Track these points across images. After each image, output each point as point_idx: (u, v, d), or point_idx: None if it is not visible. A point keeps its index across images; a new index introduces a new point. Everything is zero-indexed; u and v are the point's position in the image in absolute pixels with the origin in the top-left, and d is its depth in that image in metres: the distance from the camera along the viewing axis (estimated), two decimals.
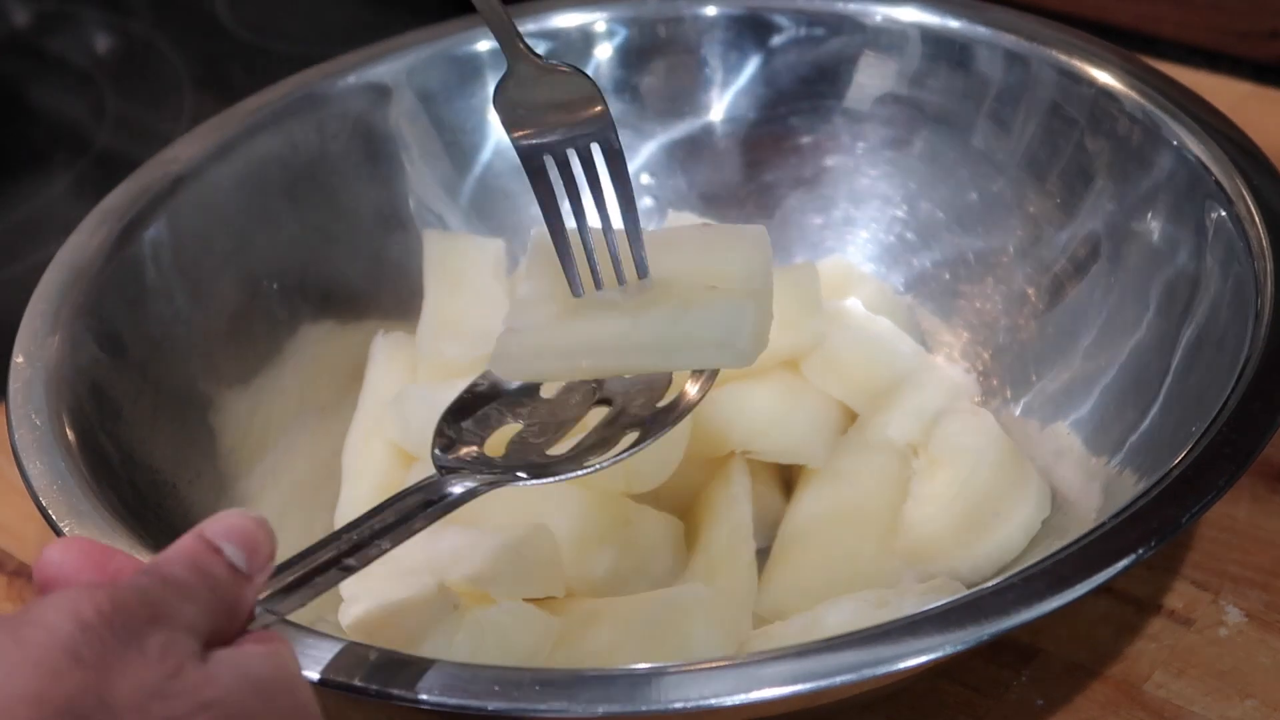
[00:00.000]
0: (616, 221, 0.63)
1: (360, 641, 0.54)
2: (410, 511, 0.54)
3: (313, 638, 0.54)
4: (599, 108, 0.63)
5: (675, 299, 0.60)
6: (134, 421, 0.69)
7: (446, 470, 0.58)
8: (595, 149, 0.63)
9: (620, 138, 0.84)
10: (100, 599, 0.42)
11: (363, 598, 0.63)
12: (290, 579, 0.49)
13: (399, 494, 0.55)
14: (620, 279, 0.62)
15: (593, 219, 0.63)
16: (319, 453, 0.76)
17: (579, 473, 0.59)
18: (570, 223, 0.63)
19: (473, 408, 0.63)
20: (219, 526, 0.47)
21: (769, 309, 0.62)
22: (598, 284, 0.62)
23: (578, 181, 0.63)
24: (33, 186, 1.08)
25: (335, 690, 0.53)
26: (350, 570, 0.51)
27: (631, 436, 0.60)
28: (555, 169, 0.63)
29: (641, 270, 0.62)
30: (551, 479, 0.59)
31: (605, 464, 0.59)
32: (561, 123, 0.63)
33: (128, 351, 0.72)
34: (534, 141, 0.63)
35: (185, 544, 0.46)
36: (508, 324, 0.62)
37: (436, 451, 0.60)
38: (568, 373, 0.62)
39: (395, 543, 0.53)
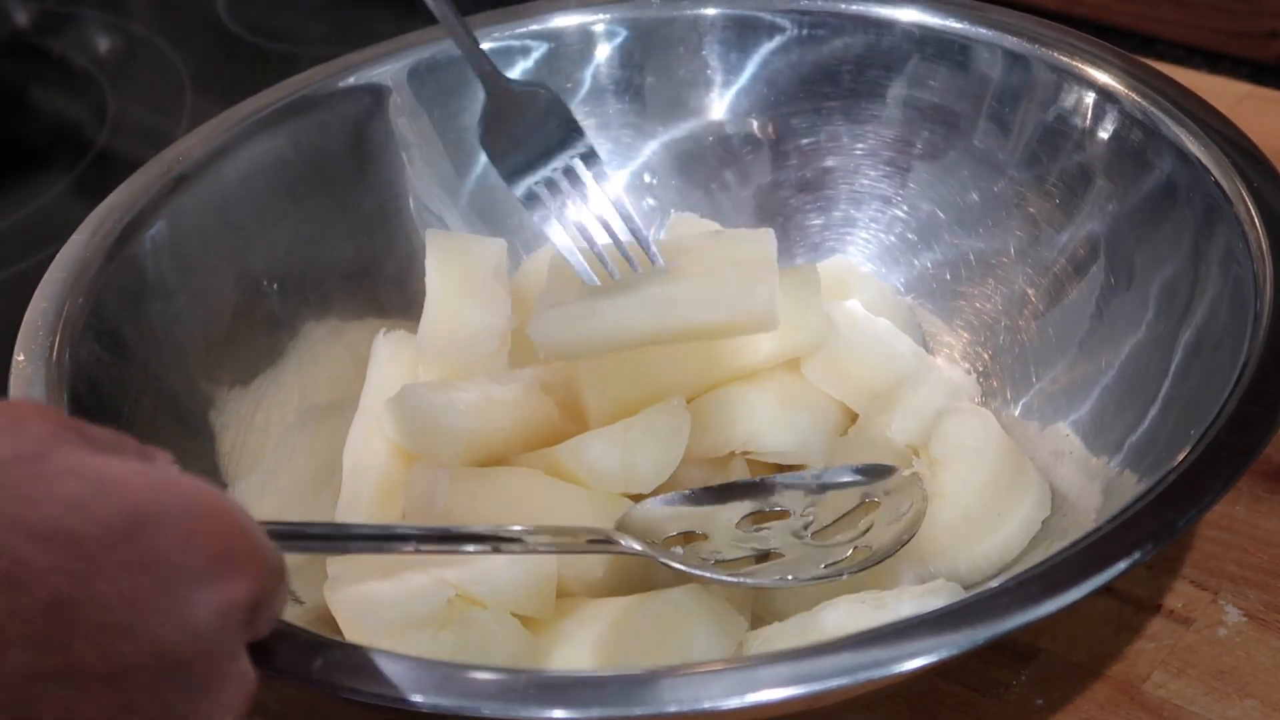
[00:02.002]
0: (619, 227, 0.70)
1: (347, 623, 0.55)
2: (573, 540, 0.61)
3: (307, 636, 0.54)
4: (572, 126, 0.71)
5: (698, 272, 0.67)
6: (134, 421, 0.69)
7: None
8: (578, 164, 0.71)
9: (623, 137, 0.86)
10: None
11: (349, 577, 0.63)
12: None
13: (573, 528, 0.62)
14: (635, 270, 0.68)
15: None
16: (319, 453, 0.76)
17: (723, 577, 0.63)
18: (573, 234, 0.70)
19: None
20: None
21: (778, 295, 0.67)
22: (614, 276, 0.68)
23: (572, 196, 0.71)
24: (33, 186, 1.08)
25: (325, 690, 0.53)
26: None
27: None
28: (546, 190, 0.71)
29: (654, 259, 0.68)
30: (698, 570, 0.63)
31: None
32: (544, 151, 0.71)
33: (128, 351, 0.72)
34: (527, 181, 0.71)
35: None
36: (539, 308, 0.68)
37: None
38: (606, 344, 0.68)
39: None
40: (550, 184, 0.70)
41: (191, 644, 0.44)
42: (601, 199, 0.70)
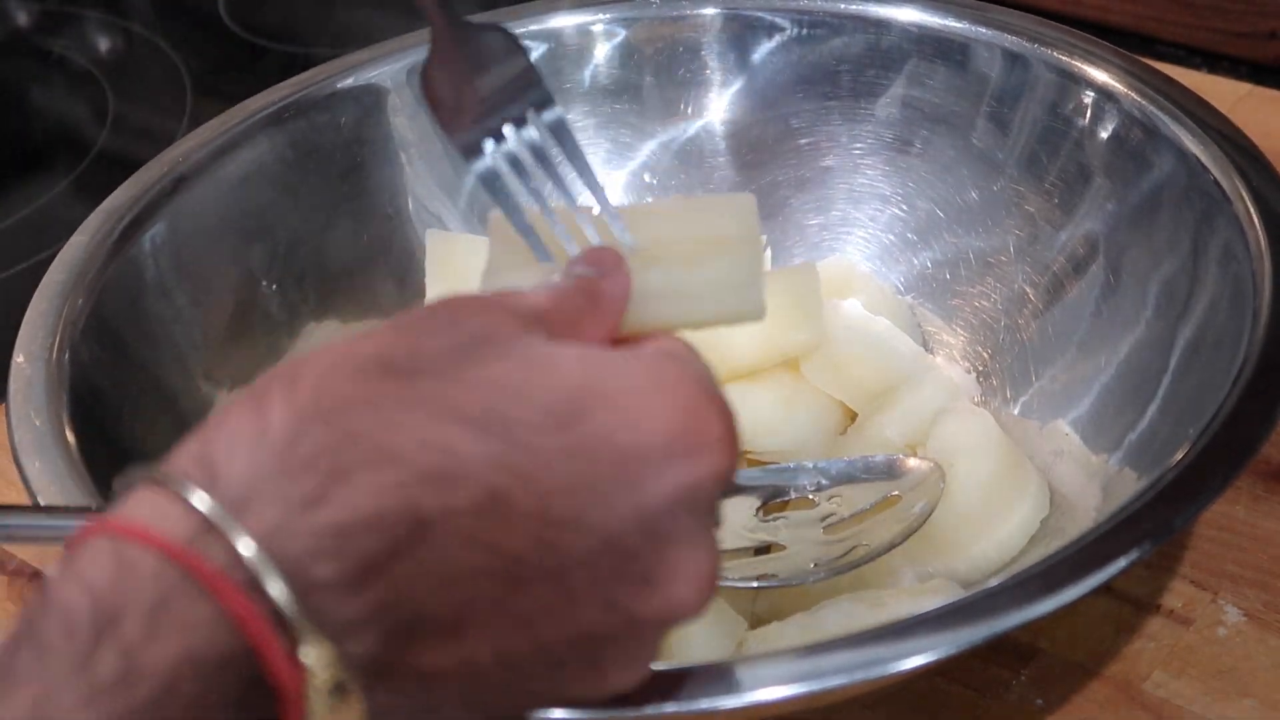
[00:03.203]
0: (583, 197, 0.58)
1: None
2: None
3: None
4: (527, 70, 0.58)
5: (674, 256, 0.54)
6: (134, 422, 0.70)
7: None
8: (536, 120, 0.57)
9: (622, 137, 0.86)
10: (433, 301, 0.44)
11: None
12: None
13: None
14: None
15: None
16: None
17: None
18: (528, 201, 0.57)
19: None
20: (569, 264, 0.49)
21: (763, 272, 0.59)
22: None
23: (527, 162, 0.57)
24: (33, 186, 1.08)
25: None
26: None
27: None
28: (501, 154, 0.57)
29: (622, 239, 0.55)
30: None
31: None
32: (495, 103, 0.58)
33: (129, 350, 0.72)
34: (471, 136, 0.57)
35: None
36: (484, 286, 0.55)
37: None
38: None
39: None
40: (514, 161, 0.57)
41: (641, 534, 0.41)
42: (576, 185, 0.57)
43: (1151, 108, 0.74)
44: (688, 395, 0.42)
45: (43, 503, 0.61)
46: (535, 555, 0.40)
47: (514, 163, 0.57)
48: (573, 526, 0.40)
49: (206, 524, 0.38)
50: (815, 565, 0.63)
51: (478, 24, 0.58)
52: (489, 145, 0.57)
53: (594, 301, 0.47)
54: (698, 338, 0.49)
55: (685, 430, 0.41)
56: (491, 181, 0.57)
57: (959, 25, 0.81)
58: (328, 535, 0.38)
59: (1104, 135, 0.76)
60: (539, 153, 0.57)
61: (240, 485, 0.38)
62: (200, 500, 0.38)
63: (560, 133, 0.57)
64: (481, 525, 0.39)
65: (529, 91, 0.58)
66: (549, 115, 0.58)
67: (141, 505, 0.39)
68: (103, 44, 1.23)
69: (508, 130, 0.57)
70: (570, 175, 0.57)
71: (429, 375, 0.40)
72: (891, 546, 0.64)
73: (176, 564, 0.37)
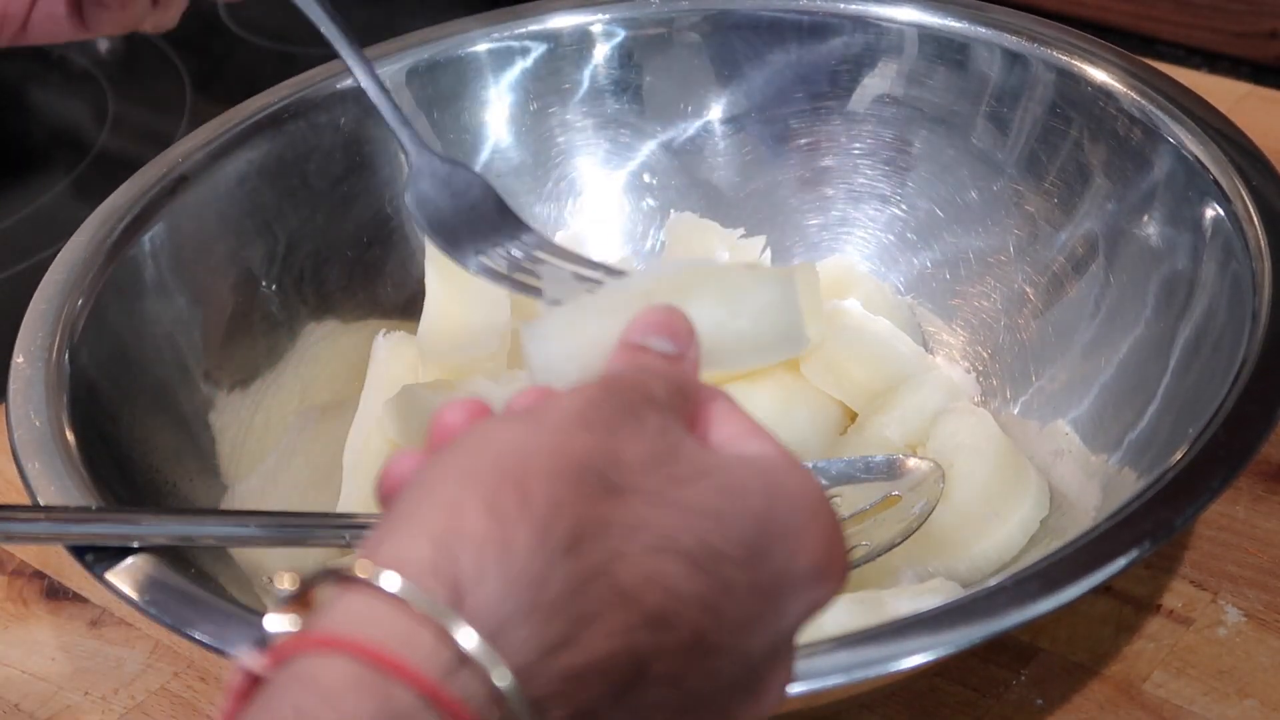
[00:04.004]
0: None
1: None
2: None
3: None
4: (503, 210, 0.65)
5: (713, 283, 0.53)
6: (134, 421, 0.70)
7: None
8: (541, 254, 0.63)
9: (621, 137, 0.86)
10: (595, 384, 0.42)
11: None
12: None
13: None
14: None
15: None
16: (319, 453, 0.76)
17: None
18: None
19: None
20: (638, 327, 0.46)
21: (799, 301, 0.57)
22: None
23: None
24: (33, 186, 1.08)
25: None
26: None
27: None
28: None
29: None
30: None
31: None
32: (480, 233, 0.64)
33: (128, 351, 0.72)
34: (484, 263, 0.64)
35: (617, 356, 0.46)
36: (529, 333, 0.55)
37: None
38: None
39: None
40: (511, 263, 0.62)
41: (770, 653, 0.42)
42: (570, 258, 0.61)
43: (1151, 107, 0.74)
44: (830, 522, 0.43)
45: (42, 503, 0.61)
46: (699, 683, 0.40)
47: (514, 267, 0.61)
48: (730, 653, 0.40)
49: (463, 658, 0.36)
50: None
51: (445, 157, 0.66)
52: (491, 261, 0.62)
53: (685, 399, 0.45)
54: None
55: (828, 560, 0.42)
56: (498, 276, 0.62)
57: (958, 25, 0.81)
58: (568, 679, 0.37)
59: (1104, 135, 0.76)
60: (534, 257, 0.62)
61: (493, 617, 0.36)
62: (466, 636, 0.36)
63: (545, 245, 0.62)
64: (679, 664, 0.39)
65: (504, 221, 0.64)
66: (529, 238, 0.63)
67: (379, 622, 0.36)
68: (102, 44, 1.23)
69: (498, 253, 0.62)
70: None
71: (640, 494, 0.39)
72: (891, 547, 0.64)
73: (436, 708, 0.35)
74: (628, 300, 0.51)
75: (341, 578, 0.37)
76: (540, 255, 0.63)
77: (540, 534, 0.37)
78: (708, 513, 0.40)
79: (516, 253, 0.62)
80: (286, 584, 0.38)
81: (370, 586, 0.36)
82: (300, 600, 0.38)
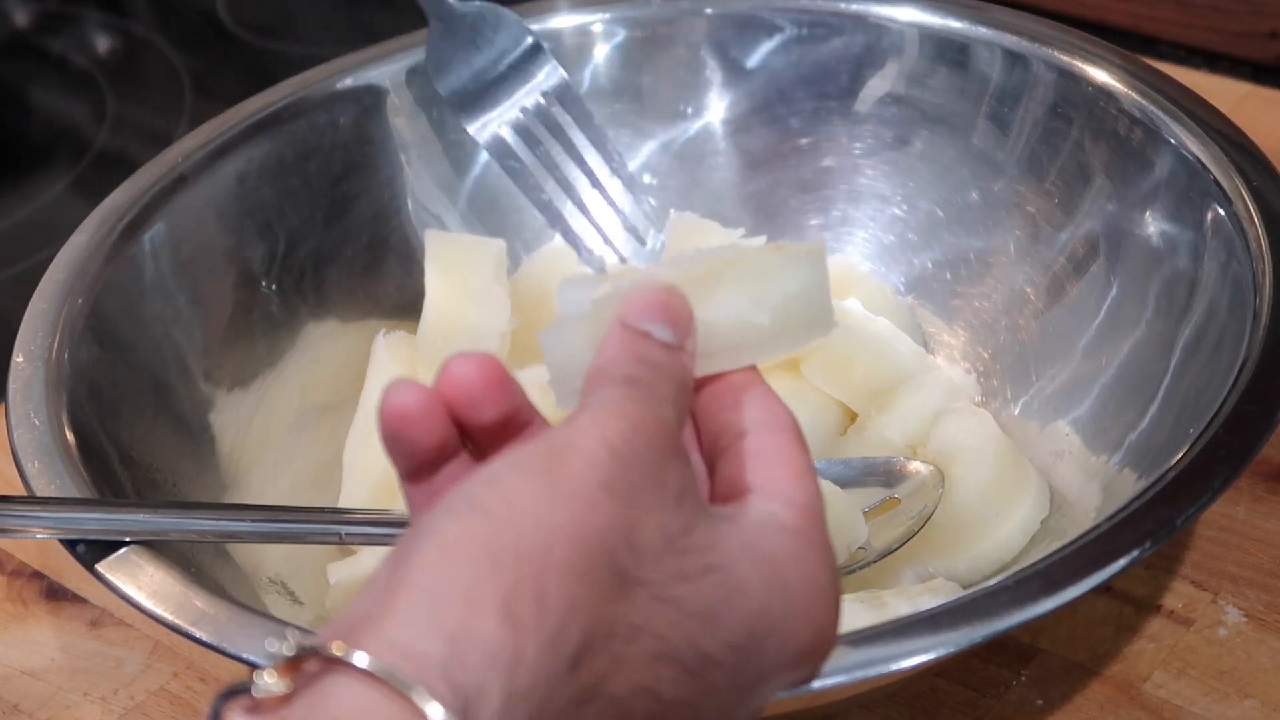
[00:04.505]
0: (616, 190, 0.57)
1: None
2: None
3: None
4: (540, 54, 0.57)
5: (741, 270, 0.49)
6: (134, 422, 0.69)
7: None
8: (555, 107, 0.56)
9: (622, 137, 0.86)
10: (623, 426, 0.41)
11: (352, 584, 0.63)
12: None
13: None
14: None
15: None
16: (319, 453, 0.76)
17: None
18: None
19: None
20: (636, 308, 0.45)
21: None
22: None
23: (551, 145, 0.57)
24: (33, 186, 1.08)
25: None
26: None
27: None
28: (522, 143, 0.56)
29: (645, 225, 0.55)
30: None
31: None
32: (507, 83, 0.57)
33: (128, 350, 0.72)
34: (490, 122, 0.56)
35: (616, 340, 0.45)
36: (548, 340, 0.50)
37: None
38: None
39: None
40: (523, 131, 0.57)
41: None
42: (588, 151, 0.56)
43: (1152, 108, 0.74)
44: (826, 608, 0.43)
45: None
46: None
47: (530, 139, 0.55)
48: None
49: None
50: None
51: (467, 6, 0.57)
52: (505, 131, 0.56)
53: (687, 395, 0.45)
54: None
55: (816, 644, 0.43)
56: (519, 174, 0.54)
57: (959, 25, 0.81)
58: None
59: (1104, 135, 0.76)
60: (554, 125, 0.56)
61: None
62: None
63: (583, 119, 0.55)
64: None
65: (534, 64, 0.57)
66: (570, 104, 0.56)
67: (382, 715, 0.35)
68: (102, 44, 1.23)
69: (528, 118, 0.57)
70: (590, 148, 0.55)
71: (647, 588, 0.39)
72: (889, 551, 0.64)
73: None
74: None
75: (343, 664, 0.36)
76: (560, 122, 0.58)
77: (550, 646, 0.37)
78: (705, 615, 0.40)
79: (537, 125, 0.57)
80: (284, 649, 0.37)
81: (374, 678, 0.36)
82: (294, 664, 0.37)
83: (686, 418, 0.45)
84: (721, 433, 0.46)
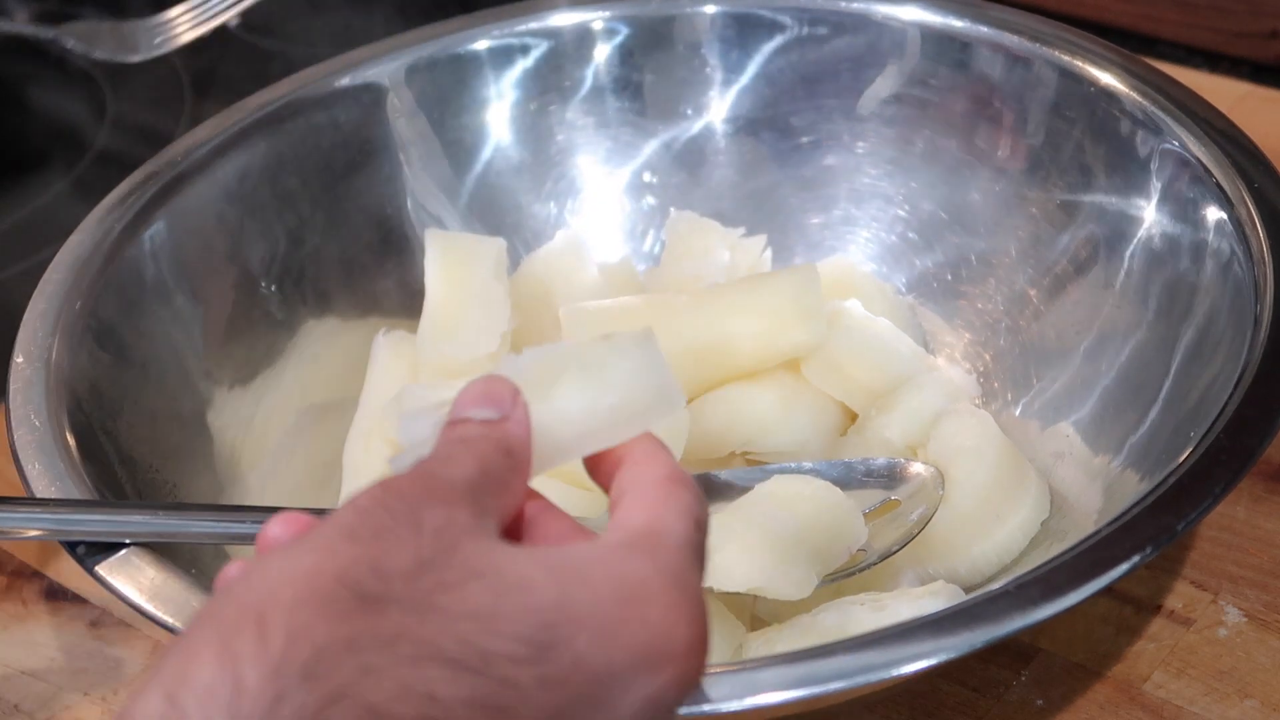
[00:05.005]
0: None
1: None
2: None
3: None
4: None
5: (571, 364, 0.49)
6: (134, 421, 0.69)
7: None
8: None
9: (623, 135, 0.86)
10: (374, 488, 0.41)
11: None
12: None
13: None
14: None
15: None
16: (319, 453, 0.76)
17: None
18: None
19: None
20: (460, 402, 0.46)
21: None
22: None
23: None
24: (33, 186, 1.08)
25: None
26: None
27: None
28: None
29: None
30: None
31: None
32: None
33: (127, 351, 0.72)
34: None
35: (441, 434, 0.46)
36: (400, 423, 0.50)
37: None
38: None
39: None
40: None
41: None
42: None
43: (1153, 108, 0.73)
44: (654, 604, 0.41)
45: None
46: None
47: None
48: None
49: None
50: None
51: None
52: None
53: (510, 455, 0.45)
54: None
55: (650, 646, 0.41)
56: None
57: (960, 24, 0.81)
58: None
59: (1106, 136, 0.75)
60: None
61: None
62: None
63: None
64: None
65: None
66: None
67: None
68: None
69: None
70: None
71: (401, 603, 0.39)
72: (889, 554, 0.64)
73: None
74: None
75: None
76: None
77: (273, 668, 0.37)
78: (475, 614, 0.39)
79: None
80: None
81: None
82: None
83: (507, 477, 0.44)
84: (610, 506, 0.46)
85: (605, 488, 0.48)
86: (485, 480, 0.44)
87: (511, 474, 0.45)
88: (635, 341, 0.49)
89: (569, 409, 0.47)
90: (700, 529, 0.44)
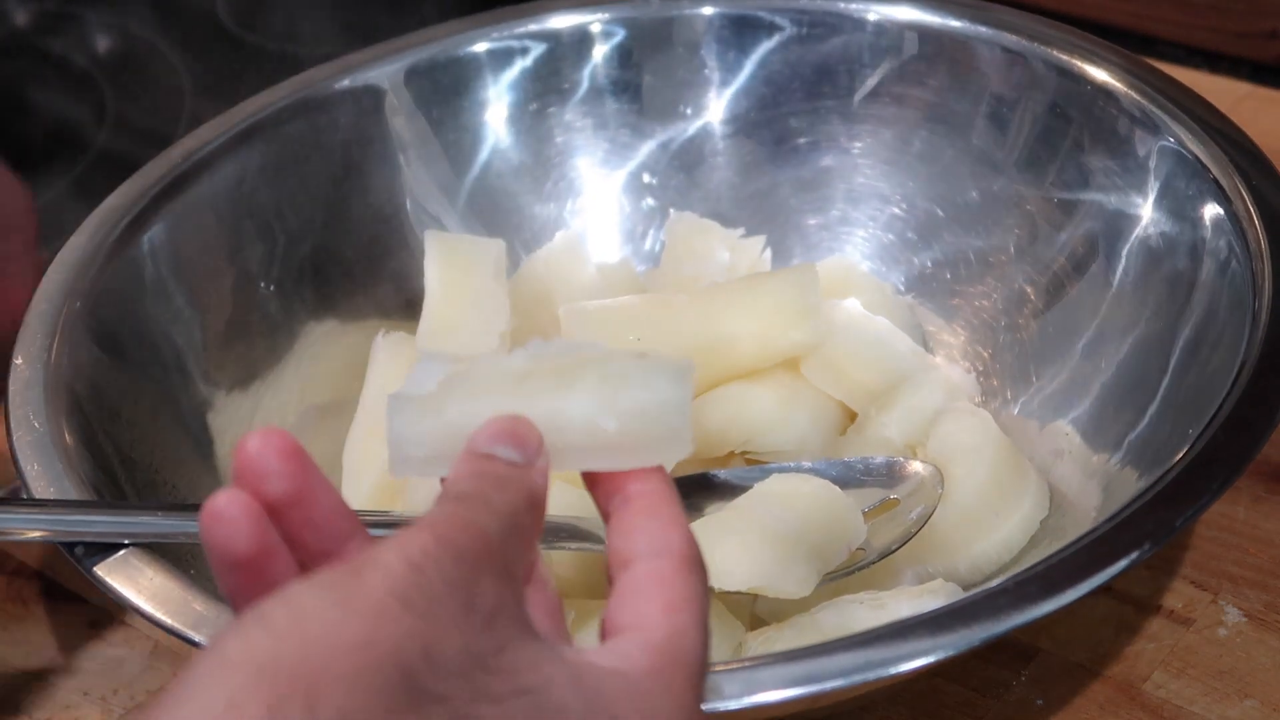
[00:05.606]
0: None
1: None
2: None
3: None
4: None
5: (594, 372, 0.47)
6: (134, 422, 0.70)
7: None
8: None
9: (621, 137, 0.86)
10: (426, 538, 0.40)
11: None
12: None
13: None
14: None
15: None
16: (319, 453, 0.74)
17: None
18: None
19: None
20: (483, 435, 0.45)
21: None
22: None
23: None
24: (33, 186, 1.07)
25: None
26: None
27: None
28: None
29: None
30: None
31: None
32: None
33: (127, 351, 0.72)
34: None
35: (461, 462, 0.45)
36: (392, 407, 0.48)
37: None
38: None
39: None
40: None
41: None
42: None
43: (1151, 107, 0.74)
44: None
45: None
46: None
47: None
48: None
49: None
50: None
51: None
52: None
53: (534, 509, 0.45)
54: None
55: None
56: None
57: (958, 24, 0.81)
58: None
59: (1104, 135, 0.75)
60: None
61: None
62: None
63: None
64: None
65: None
66: None
67: None
68: (101, 44, 1.22)
69: None
70: None
71: (444, 706, 0.38)
72: (888, 553, 0.64)
73: None
74: (500, 381, 0.47)
75: None
76: None
77: None
78: None
79: None
80: None
81: None
82: None
83: (530, 533, 0.44)
84: (612, 561, 0.46)
85: (600, 504, 0.47)
86: (517, 538, 0.43)
87: (534, 530, 0.45)
88: (668, 373, 0.46)
89: (571, 416, 0.46)
90: (707, 626, 0.45)
